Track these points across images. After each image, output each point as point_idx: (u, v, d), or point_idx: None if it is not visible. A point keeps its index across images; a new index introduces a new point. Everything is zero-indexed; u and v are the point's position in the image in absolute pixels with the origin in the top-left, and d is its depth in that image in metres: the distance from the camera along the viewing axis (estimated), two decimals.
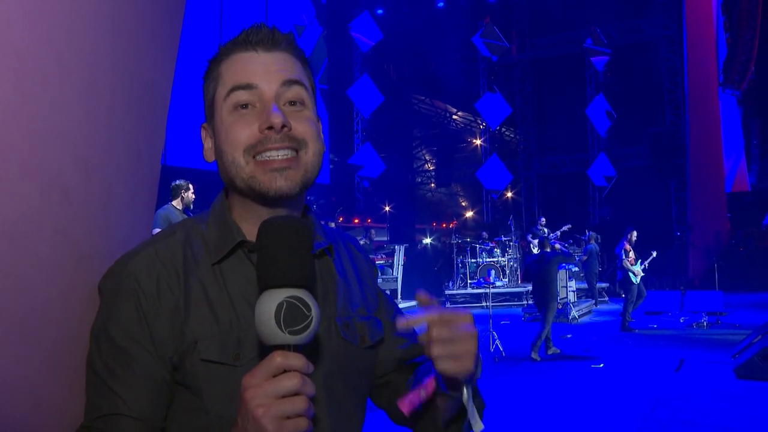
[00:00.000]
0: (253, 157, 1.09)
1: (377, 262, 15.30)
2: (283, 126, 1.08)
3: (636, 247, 11.96)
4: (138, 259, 1.10)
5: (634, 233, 11.95)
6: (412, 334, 1.33)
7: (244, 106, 1.11)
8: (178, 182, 7.54)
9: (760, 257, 18.22)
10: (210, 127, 1.18)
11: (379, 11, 21.79)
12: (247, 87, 1.10)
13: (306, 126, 1.12)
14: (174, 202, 7.46)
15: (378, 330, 1.28)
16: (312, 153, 1.12)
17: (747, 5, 16.92)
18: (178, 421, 1.08)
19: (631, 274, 11.56)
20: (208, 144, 1.19)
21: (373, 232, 16.69)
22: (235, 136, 1.09)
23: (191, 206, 7.53)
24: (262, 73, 1.11)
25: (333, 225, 15.33)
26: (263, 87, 1.10)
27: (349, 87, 21.17)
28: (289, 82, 1.12)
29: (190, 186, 7.55)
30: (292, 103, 1.13)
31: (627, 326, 11.59)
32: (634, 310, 11.91)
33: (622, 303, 12.03)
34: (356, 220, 20.42)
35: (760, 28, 16.97)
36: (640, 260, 11.79)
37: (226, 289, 1.10)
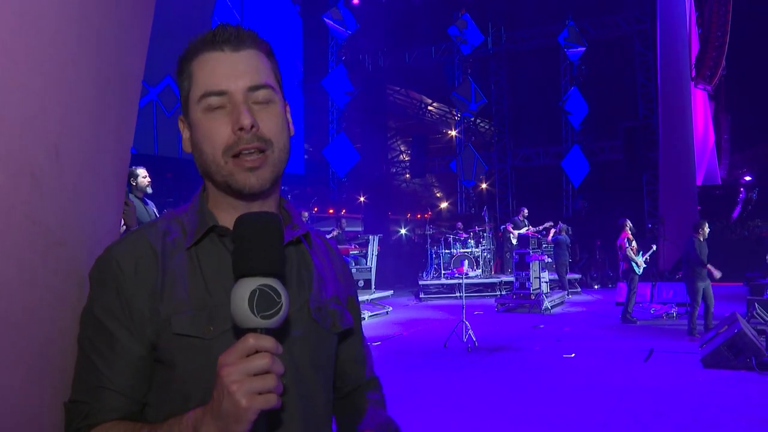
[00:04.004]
0: (231, 156, 1.18)
1: (351, 252, 15.25)
2: (252, 126, 1.17)
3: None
4: (120, 245, 1.20)
5: (629, 222, 11.82)
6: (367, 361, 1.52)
7: (216, 108, 1.19)
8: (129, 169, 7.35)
9: (729, 250, 18.53)
10: (186, 121, 1.26)
11: (355, 1, 21.70)
12: (219, 94, 1.19)
13: (273, 123, 1.21)
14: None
15: (348, 320, 1.38)
16: (278, 149, 1.22)
17: (718, 1, 17.10)
18: (155, 396, 1.17)
19: (634, 265, 11.48)
20: (185, 135, 1.28)
21: (343, 221, 16.36)
22: (212, 137, 1.19)
23: (142, 193, 7.29)
24: (231, 76, 1.19)
25: (306, 214, 15.24)
26: (232, 90, 1.19)
27: (324, 77, 21.08)
28: (256, 87, 1.20)
29: (138, 172, 7.33)
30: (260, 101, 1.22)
31: (629, 317, 11.50)
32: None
33: (625, 294, 11.90)
34: (331, 211, 20.38)
35: (731, 25, 17.17)
36: (641, 252, 11.70)
37: (201, 270, 1.20)
